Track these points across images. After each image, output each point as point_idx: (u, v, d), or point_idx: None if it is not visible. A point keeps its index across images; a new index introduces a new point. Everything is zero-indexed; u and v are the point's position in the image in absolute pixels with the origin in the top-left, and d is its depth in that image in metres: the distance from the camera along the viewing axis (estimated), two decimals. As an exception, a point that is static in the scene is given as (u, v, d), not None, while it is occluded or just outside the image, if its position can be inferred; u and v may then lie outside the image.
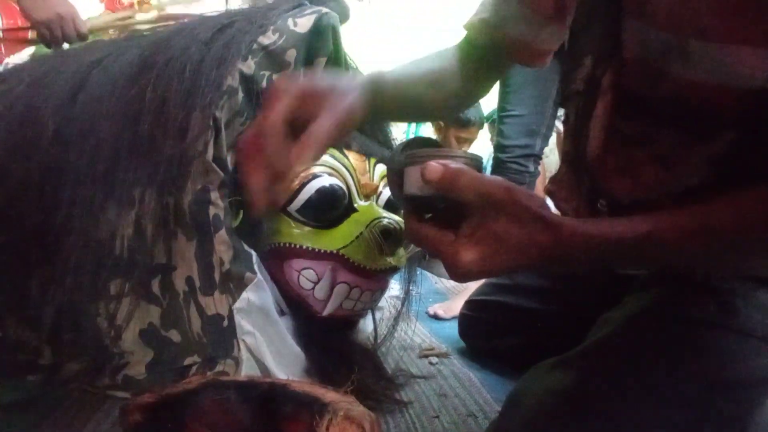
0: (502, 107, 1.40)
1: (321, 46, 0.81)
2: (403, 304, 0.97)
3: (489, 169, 1.59)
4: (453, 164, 0.40)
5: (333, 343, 0.80)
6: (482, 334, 1.00)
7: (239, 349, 0.70)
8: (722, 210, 0.39)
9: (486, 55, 0.65)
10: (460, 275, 0.40)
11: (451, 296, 1.50)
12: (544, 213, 0.40)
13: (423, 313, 1.29)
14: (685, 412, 0.46)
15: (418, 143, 0.45)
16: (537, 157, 1.41)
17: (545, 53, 0.66)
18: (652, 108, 0.47)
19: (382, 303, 0.94)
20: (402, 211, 0.44)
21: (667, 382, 0.47)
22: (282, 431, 0.49)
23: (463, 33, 0.68)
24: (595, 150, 0.53)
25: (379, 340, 0.92)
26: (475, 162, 0.43)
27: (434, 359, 0.98)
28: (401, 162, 0.44)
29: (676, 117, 0.45)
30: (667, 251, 0.41)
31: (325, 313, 0.77)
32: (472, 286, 1.28)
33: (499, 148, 1.42)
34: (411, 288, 0.97)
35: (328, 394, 0.50)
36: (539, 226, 0.39)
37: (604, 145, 0.52)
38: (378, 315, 0.94)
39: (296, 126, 0.44)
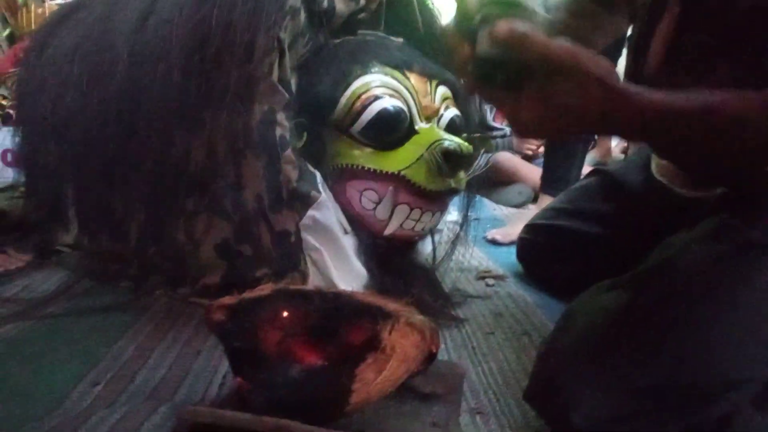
0: None
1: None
2: (461, 228, 0.98)
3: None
4: (521, 25, 0.40)
5: (393, 262, 0.83)
6: (541, 258, 1.00)
7: (306, 263, 0.74)
8: None
9: None
10: (520, 132, 0.45)
11: (509, 222, 1.50)
12: (609, 79, 0.40)
13: (481, 239, 1.30)
14: (736, 337, 0.46)
15: (495, 2, 0.45)
16: None
17: None
18: (723, 24, 0.45)
19: (441, 226, 0.96)
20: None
21: (720, 307, 0.47)
22: (346, 335, 0.52)
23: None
24: (654, 67, 0.51)
25: (437, 262, 0.95)
26: (548, 24, 0.42)
27: (491, 281, 1.00)
28: (476, 22, 0.44)
29: (753, 31, 0.43)
30: (732, 127, 0.40)
31: (386, 233, 0.80)
32: (530, 213, 1.27)
33: None
34: (469, 212, 0.98)
35: (390, 304, 0.53)
36: (602, 92, 0.40)
37: (663, 63, 0.50)
38: (437, 237, 0.96)
39: None
